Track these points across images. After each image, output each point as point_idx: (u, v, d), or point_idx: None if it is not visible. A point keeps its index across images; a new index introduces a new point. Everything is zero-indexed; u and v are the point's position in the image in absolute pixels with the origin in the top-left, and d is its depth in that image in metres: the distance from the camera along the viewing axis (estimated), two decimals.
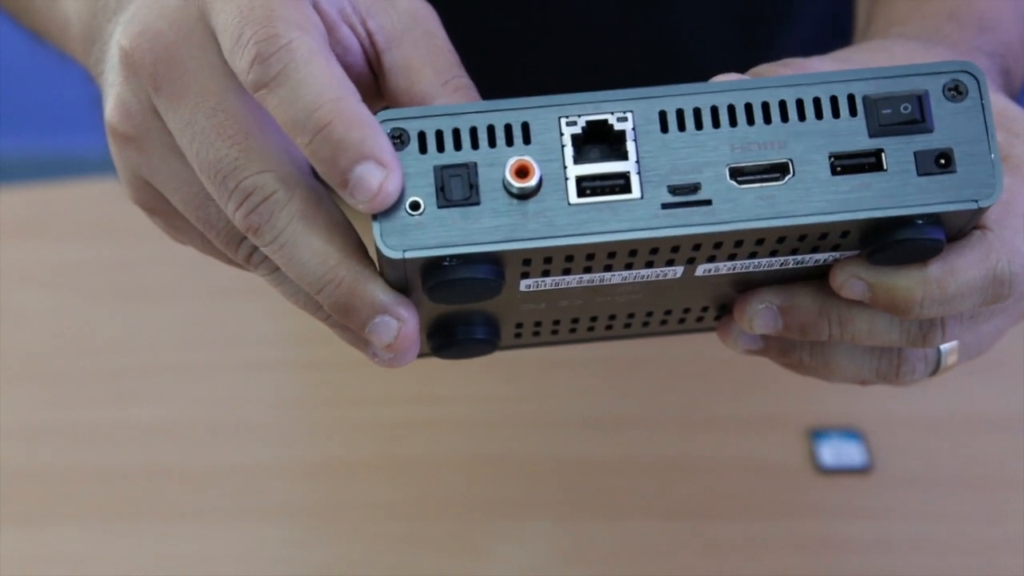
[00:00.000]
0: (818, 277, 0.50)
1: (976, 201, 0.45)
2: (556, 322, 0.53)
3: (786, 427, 0.77)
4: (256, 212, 0.46)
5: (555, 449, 0.77)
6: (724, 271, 0.48)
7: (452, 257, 0.45)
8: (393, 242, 0.45)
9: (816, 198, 0.45)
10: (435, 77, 0.50)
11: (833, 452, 0.75)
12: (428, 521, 0.73)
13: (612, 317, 0.53)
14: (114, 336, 0.83)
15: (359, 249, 0.47)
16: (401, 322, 0.47)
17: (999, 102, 0.52)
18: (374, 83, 0.51)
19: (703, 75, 0.48)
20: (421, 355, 0.51)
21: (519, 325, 0.52)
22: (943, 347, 0.52)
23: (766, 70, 0.50)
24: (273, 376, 0.82)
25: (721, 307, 0.53)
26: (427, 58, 0.50)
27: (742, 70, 0.49)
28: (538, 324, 0.53)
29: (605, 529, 0.73)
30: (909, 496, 0.74)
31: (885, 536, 0.72)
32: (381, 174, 0.44)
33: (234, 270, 0.52)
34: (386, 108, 0.46)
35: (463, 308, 0.49)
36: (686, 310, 0.53)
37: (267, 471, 0.76)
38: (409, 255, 0.45)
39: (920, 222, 0.46)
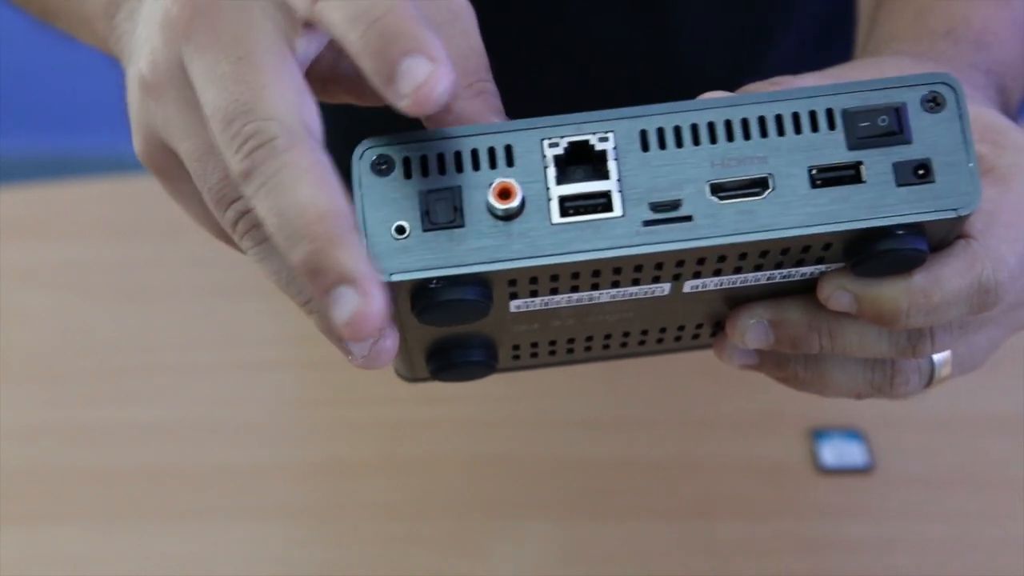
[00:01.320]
0: (807, 291, 0.50)
1: (956, 210, 0.46)
2: (552, 343, 0.53)
3: (787, 427, 0.77)
4: (252, 156, 0.45)
5: (555, 449, 0.77)
6: (712, 287, 0.49)
7: (439, 279, 0.45)
8: (380, 266, 0.45)
9: (796, 211, 0.46)
10: (461, 77, 0.49)
11: (834, 452, 0.75)
12: (428, 521, 0.73)
13: (607, 337, 0.53)
14: (114, 336, 0.83)
15: (344, 216, 0.45)
16: (364, 298, 0.43)
17: (988, 115, 0.52)
18: None
19: (705, 81, 0.48)
20: (421, 380, 0.51)
21: (516, 347, 0.53)
22: (936, 358, 0.53)
23: (755, 88, 0.50)
24: (273, 376, 0.82)
25: (716, 324, 0.53)
26: (457, 56, 0.50)
27: (741, 75, 0.49)
28: (535, 345, 0.53)
29: (605, 529, 0.73)
30: (909, 496, 0.74)
31: (886, 536, 0.72)
32: (430, 66, 0.43)
33: (235, 270, 0.51)
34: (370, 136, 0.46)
35: (459, 331, 0.50)
36: (680, 328, 0.53)
37: (267, 471, 0.76)
38: (396, 278, 0.45)
39: (901, 232, 0.46)
